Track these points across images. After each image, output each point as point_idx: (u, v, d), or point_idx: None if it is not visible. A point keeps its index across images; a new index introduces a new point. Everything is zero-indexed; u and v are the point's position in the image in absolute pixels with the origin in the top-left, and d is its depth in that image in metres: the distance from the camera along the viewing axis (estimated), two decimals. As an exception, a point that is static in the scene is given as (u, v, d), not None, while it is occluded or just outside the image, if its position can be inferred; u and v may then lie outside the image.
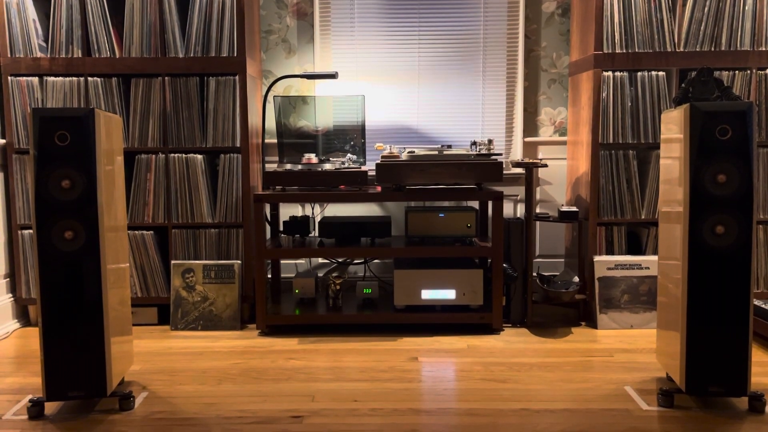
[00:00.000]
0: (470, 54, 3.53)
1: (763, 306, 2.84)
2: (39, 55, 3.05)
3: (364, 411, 2.16)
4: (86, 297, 2.06)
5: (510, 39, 3.52)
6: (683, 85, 2.34)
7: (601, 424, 2.05)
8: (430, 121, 3.57)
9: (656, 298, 2.79)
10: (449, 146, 3.07)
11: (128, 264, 2.35)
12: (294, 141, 3.36)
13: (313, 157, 3.10)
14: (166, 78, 3.06)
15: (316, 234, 3.34)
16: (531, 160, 3.10)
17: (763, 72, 3.04)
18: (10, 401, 2.26)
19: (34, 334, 3.06)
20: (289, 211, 3.56)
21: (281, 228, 3.32)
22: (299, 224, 3.15)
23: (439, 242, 3.06)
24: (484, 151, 2.99)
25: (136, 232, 3.10)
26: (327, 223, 3.09)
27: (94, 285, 2.06)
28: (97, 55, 3.05)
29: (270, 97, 3.47)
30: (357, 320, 3.03)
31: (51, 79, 3.04)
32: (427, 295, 3.01)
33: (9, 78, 3.04)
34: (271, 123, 3.51)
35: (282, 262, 3.56)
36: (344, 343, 2.86)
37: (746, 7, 3.01)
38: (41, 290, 2.04)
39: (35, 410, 2.12)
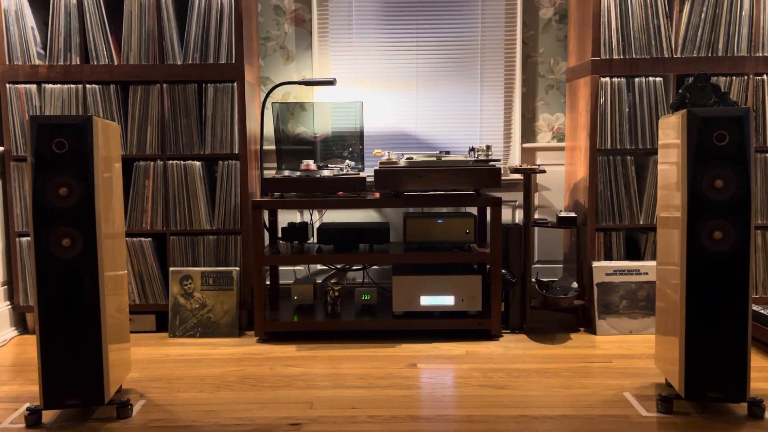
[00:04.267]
0: (468, 60, 3.54)
1: (762, 311, 2.84)
2: (37, 62, 3.05)
3: (363, 418, 2.15)
4: (84, 304, 2.06)
5: (508, 45, 3.53)
6: (680, 90, 2.34)
7: (600, 431, 2.04)
8: (428, 127, 3.57)
9: (655, 304, 2.79)
10: (447, 152, 3.07)
11: (126, 271, 2.35)
12: (292, 147, 3.36)
13: (311, 164, 3.10)
14: (165, 85, 3.06)
15: (315, 240, 3.34)
16: (529, 166, 3.10)
17: (760, 77, 3.05)
18: (8, 409, 2.25)
19: (31, 341, 3.05)
20: (287, 217, 3.56)
21: (280, 234, 3.32)
22: (298, 230, 3.15)
23: (438, 248, 3.06)
24: (482, 157, 2.99)
25: (134, 239, 3.10)
26: (325, 230, 3.09)
27: (92, 292, 2.06)
28: (95, 62, 3.05)
29: (268, 104, 3.47)
30: (355, 327, 3.03)
31: (49, 86, 3.04)
32: (426, 301, 3.01)
33: (7, 85, 3.04)
34: (269, 129, 3.51)
35: (280, 268, 3.55)
36: (343, 350, 2.85)
37: (743, 13, 3.02)
38: (39, 298, 2.04)
39: (32, 418, 2.11)
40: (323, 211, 3.56)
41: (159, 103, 3.07)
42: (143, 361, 2.74)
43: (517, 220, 3.60)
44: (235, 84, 3.06)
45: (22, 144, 3.08)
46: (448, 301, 3.01)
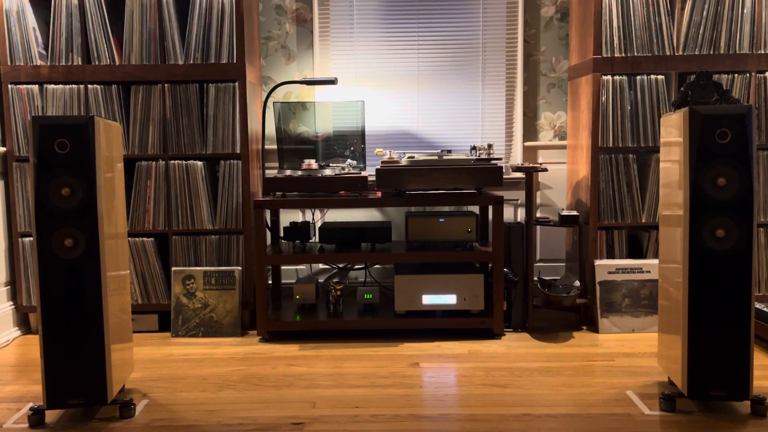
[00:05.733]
0: (469, 59, 3.53)
1: (765, 309, 2.83)
2: (39, 62, 3.05)
3: (365, 417, 2.15)
4: (86, 304, 2.06)
5: (509, 44, 3.52)
6: (682, 88, 2.34)
7: (602, 429, 2.04)
8: (430, 126, 3.57)
9: (657, 302, 2.79)
10: (449, 151, 3.07)
11: (128, 271, 2.36)
12: (294, 147, 3.36)
13: (313, 163, 3.10)
14: (166, 85, 3.07)
15: (317, 240, 3.34)
16: (531, 165, 3.10)
17: (762, 75, 3.04)
18: (11, 409, 2.26)
19: (34, 341, 3.05)
20: (289, 216, 3.56)
21: (281, 234, 3.32)
22: (299, 230, 3.15)
23: (440, 247, 3.06)
24: (484, 156, 2.99)
25: (137, 239, 3.10)
26: (327, 229, 3.09)
27: (95, 292, 2.06)
28: (96, 63, 3.05)
29: (270, 103, 3.48)
30: (358, 326, 3.03)
31: (51, 86, 3.05)
32: (428, 300, 3.01)
33: (9, 86, 3.05)
34: (271, 129, 3.51)
35: (282, 267, 3.55)
36: (345, 349, 2.85)
37: (745, 11, 3.02)
38: (41, 298, 2.04)
39: (36, 418, 2.12)
40: (325, 210, 3.56)
41: (161, 103, 3.07)
42: (146, 361, 2.74)
43: (519, 219, 3.59)
44: (237, 84, 3.06)
45: (24, 144, 3.08)
46: (450, 300, 3.01)
